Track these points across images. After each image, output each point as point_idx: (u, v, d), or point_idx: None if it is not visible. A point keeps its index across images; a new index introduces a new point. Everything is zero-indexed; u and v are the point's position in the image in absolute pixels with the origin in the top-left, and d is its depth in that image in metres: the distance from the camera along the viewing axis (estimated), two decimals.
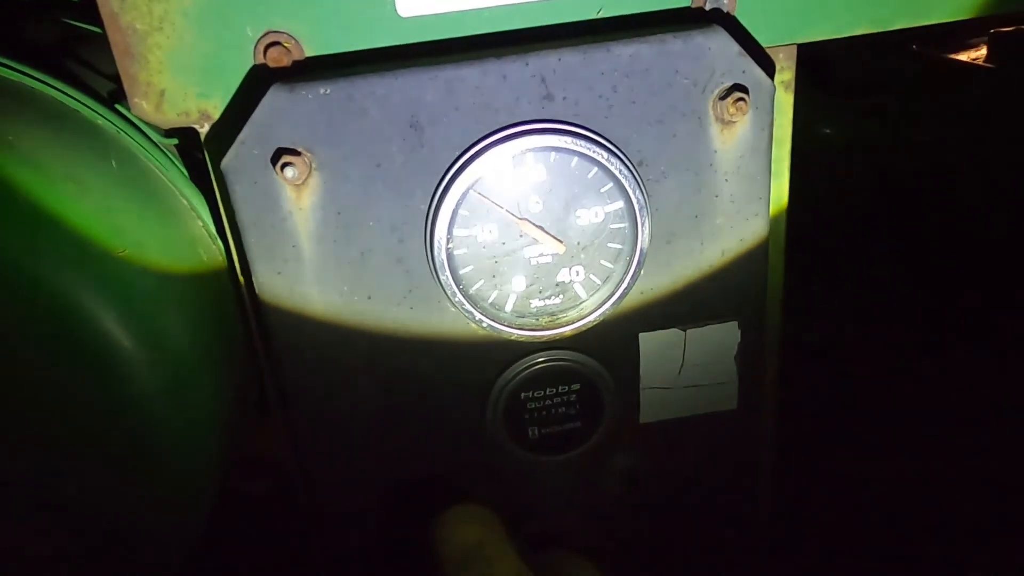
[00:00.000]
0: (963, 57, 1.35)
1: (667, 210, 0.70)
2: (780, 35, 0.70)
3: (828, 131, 1.32)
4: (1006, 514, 0.98)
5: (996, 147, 1.14)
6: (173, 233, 0.73)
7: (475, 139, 0.65)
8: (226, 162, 0.63)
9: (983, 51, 1.33)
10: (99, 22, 0.62)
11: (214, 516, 0.75)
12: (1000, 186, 1.13)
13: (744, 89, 0.66)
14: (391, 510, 0.78)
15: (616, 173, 0.66)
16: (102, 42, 0.64)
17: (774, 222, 0.75)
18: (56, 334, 0.62)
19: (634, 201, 0.68)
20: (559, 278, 0.70)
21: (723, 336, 0.76)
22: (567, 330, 0.72)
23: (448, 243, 0.67)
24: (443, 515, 0.69)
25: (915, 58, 1.30)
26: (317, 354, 0.70)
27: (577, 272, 0.70)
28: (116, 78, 0.64)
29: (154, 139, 0.76)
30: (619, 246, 0.70)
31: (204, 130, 0.66)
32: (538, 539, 0.78)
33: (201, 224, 0.77)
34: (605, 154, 0.66)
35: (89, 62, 0.78)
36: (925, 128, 1.22)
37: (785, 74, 0.74)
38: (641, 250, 0.70)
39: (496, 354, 0.73)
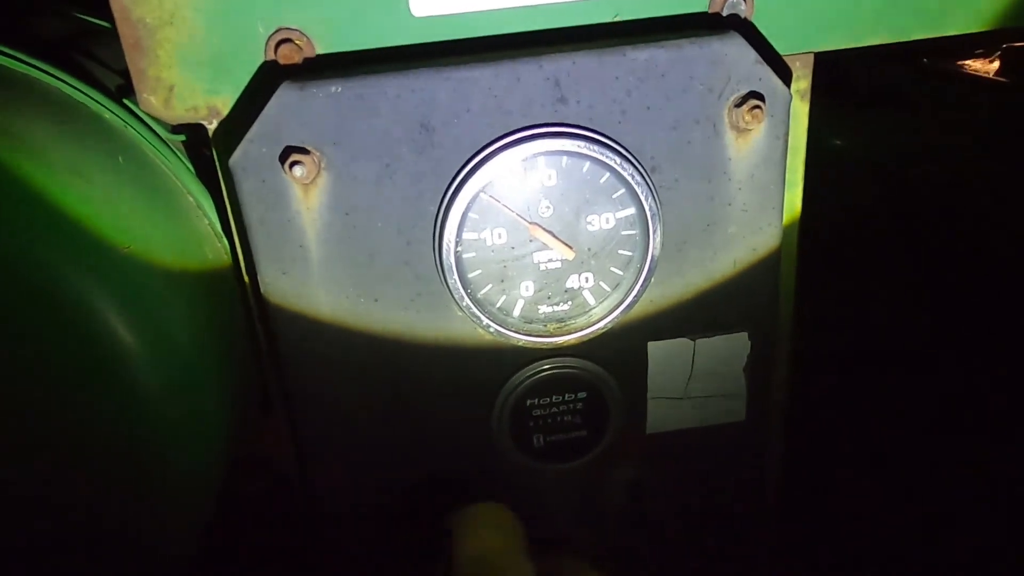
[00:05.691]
0: (975, 71, 1.34)
1: (679, 218, 0.69)
2: (797, 43, 0.69)
3: (838, 142, 1.31)
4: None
5: (1007, 160, 1.14)
6: (178, 230, 0.73)
7: (487, 141, 0.64)
8: (234, 159, 0.62)
9: (995, 65, 1.33)
10: (109, 16, 0.61)
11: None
12: (1012, 199, 1.12)
13: (760, 97, 0.65)
14: (393, 510, 0.77)
15: (628, 179, 0.66)
16: (111, 36, 0.63)
17: (786, 232, 0.74)
18: (58, 330, 0.61)
19: (646, 208, 0.67)
20: (568, 284, 0.70)
21: (733, 347, 0.75)
22: (575, 337, 0.71)
23: (457, 246, 0.66)
24: (465, 511, 0.67)
25: (926, 71, 1.29)
26: (322, 355, 0.70)
27: (586, 279, 0.70)
28: (125, 72, 0.64)
29: (161, 135, 0.76)
30: (629, 253, 0.69)
31: (212, 127, 0.66)
32: (539, 543, 0.77)
33: (207, 222, 0.76)
34: (618, 159, 0.65)
35: (98, 56, 0.78)
36: (935, 141, 1.21)
37: (801, 83, 0.73)
38: (652, 258, 0.69)
39: (502, 360, 0.73)
